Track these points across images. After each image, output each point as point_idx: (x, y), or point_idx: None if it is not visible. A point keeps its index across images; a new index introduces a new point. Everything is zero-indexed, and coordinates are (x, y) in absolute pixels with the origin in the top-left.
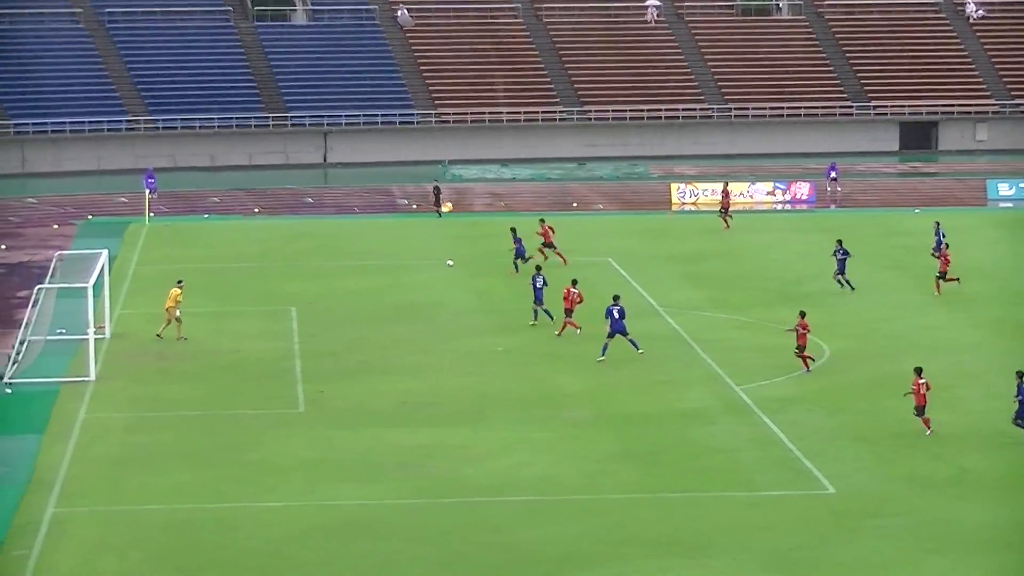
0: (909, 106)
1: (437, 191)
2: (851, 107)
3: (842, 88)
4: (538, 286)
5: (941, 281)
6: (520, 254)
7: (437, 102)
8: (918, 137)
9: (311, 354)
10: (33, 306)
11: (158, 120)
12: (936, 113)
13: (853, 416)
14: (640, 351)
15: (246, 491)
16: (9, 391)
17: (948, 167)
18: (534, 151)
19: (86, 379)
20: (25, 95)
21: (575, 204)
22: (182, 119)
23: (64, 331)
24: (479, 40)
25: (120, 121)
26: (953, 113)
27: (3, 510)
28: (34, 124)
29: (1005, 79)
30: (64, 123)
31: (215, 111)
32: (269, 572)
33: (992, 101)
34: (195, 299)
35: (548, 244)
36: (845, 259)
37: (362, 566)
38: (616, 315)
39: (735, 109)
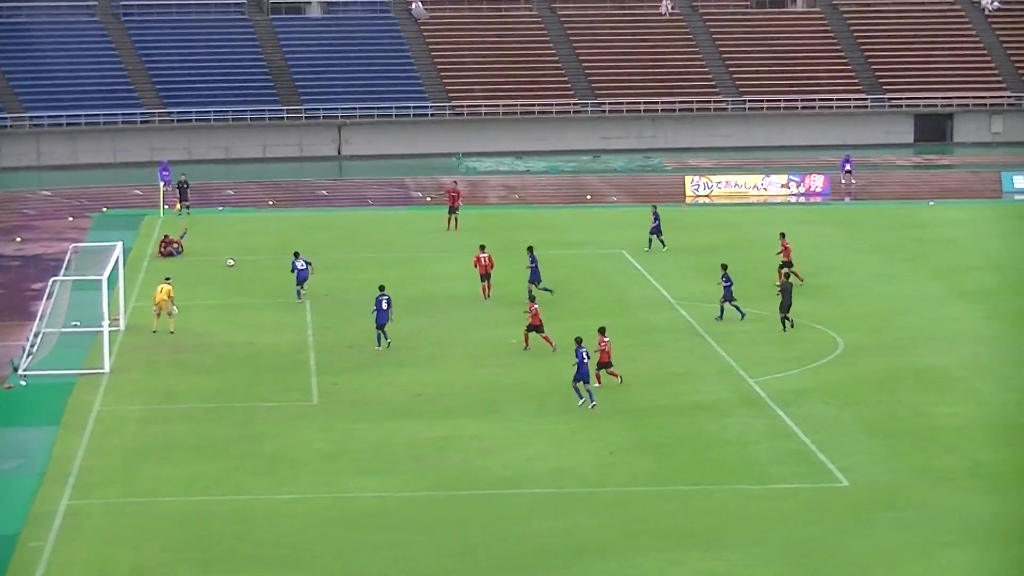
0: (924, 98)
1: (183, 185)
2: (866, 99)
3: (857, 80)
4: (300, 267)
5: (787, 269)
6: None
7: (451, 94)
8: (933, 129)
9: (326, 346)
10: (48, 298)
11: (173, 113)
12: (951, 105)
13: (867, 409)
14: (378, 348)
15: (261, 483)
16: (24, 383)
17: (963, 159)
18: (548, 143)
19: (101, 371)
20: (41, 88)
21: (589, 196)
22: (197, 112)
23: (79, 323)
24: (493, 32)
25: (135, 114)
26: (968, 105)
27: (19, 501)
28: (49, 117)
29: (1020, 71)
30: (79, 116)
31: (230, 104)
32: (285, 564)
33: (1007, 93)
34: (210, 291)
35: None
36: (535, 267)
37: (378, 557)
38: (384, 305)
39: (749, 101)
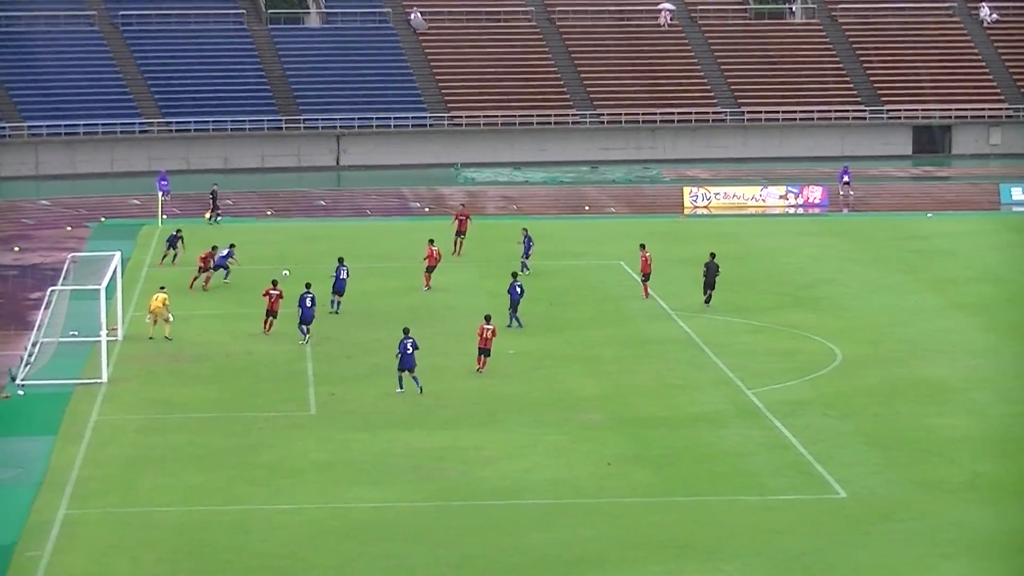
0: (922, 110)
1: (215, 194)
2: (864, 111)
3: (855, 92)
4: (220, 255)
5: (647, 283)
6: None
7: (450, 105)
8: (931, 141)
9: (323, 357)
10: (46, 308)
11: (171, 122)
12: (949, 117)
13: (865, 420)
14: (301, 343)
15: (259, 493)
16: (22, 393)
17: (961, 171)
18: (547, 154)
19: (99, 381)
20: (39, 97)
21: (587, 207)
22: (195, 121)
23: (77, 333)
24: (492, 43)
25: (134, 123)
26: (967, 117)
27: (16, 511)
28: (48, 126)
29: (1019, 83)
30: (78, 125)
31: (228, 114)
32: (282, 574)
33: (1005, 105)
34: (208, 301)
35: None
36: (344, 278)
37: (376, 568)
38: (308, 303)
39: (748, 113)
